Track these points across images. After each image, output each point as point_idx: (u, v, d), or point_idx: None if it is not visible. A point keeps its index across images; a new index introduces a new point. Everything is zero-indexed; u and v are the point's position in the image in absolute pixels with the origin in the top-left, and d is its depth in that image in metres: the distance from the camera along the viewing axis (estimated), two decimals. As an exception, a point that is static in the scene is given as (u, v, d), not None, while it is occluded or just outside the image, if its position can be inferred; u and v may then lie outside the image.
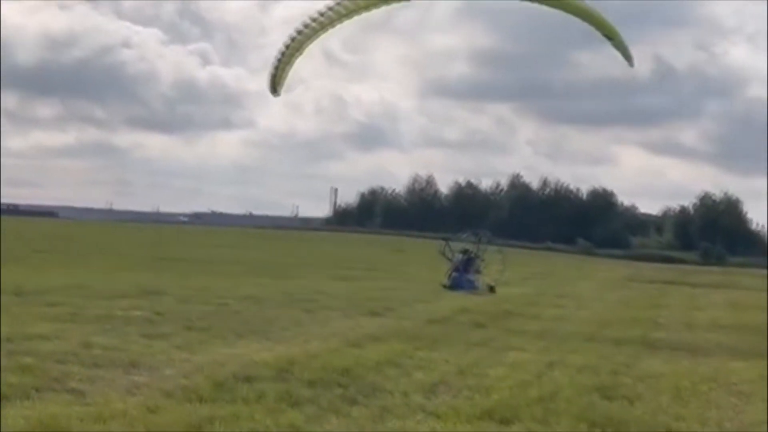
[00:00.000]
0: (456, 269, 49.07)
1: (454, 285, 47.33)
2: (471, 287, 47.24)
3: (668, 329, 30.94)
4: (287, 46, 21.42)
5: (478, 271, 49.49)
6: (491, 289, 47.21)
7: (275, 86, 21.35)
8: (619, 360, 22.04)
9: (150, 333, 22.67)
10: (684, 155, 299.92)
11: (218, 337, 22.90)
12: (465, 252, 50.23)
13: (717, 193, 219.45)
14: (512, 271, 54.28)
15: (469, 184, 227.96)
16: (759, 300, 51.88)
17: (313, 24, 21.96)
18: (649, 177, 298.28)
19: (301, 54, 21.54)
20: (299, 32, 21.30)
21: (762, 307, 43.45)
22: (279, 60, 21.34)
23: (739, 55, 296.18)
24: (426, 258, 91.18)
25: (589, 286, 62.63)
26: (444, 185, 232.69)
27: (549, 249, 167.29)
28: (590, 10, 24.40)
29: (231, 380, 16.64)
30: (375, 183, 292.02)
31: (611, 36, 24.68)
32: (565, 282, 67.16)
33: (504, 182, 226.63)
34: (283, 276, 54.80)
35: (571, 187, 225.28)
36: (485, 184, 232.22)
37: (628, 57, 25.37)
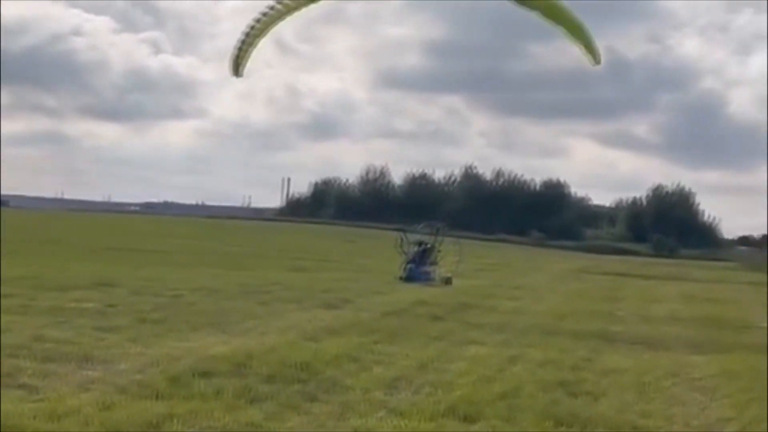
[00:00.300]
0: (411, 261, 48.77)
1: (410, 277, 47.03)
2: (427, 279, 46.96)
3: (626, 322, 30.78)
4: (252, 27, 20.90)
5: (433, 263, 49.22)
6: (447, 281, 46.96)
7: (237, 67, 20.73)
8: (580, 354, 21.81)
9: (103, 326, 22.25)
10: (636, 147, 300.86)
11: (173, 329, 22.49)
12: (420, 244, 49.94)
13: (669, 185, 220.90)
14: (467, 262, 54.15)
15: (423, 175, 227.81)
16: (713, 292, 52.06)
17: (280, 6, 21.44)
18: (601, 169, 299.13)
19: (264, 35, 21.00)
20: (264, 14, 20.82)
21: (717, 300, 43.56)
22: (242, 41, 20.74)
23: (691, 47, 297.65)
24: (380, 249, 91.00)
25: (544, 277, 62.56)
26: (397, 176, 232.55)
27: (502, 240, 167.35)
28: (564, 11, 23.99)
29: (187, 375, 16.26)
30: (328, 173, 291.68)
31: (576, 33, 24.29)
32: (519, 274, 67.10)
33: (457, 173, 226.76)
34: (236, 267, 54.28)
35: (525, 178, 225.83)
36: (438, 175, 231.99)
37: (592, 52, 25.03)
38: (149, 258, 58.18)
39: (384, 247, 60.82)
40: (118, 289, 32.12)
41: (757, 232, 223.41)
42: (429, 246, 49.85)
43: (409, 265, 48.31)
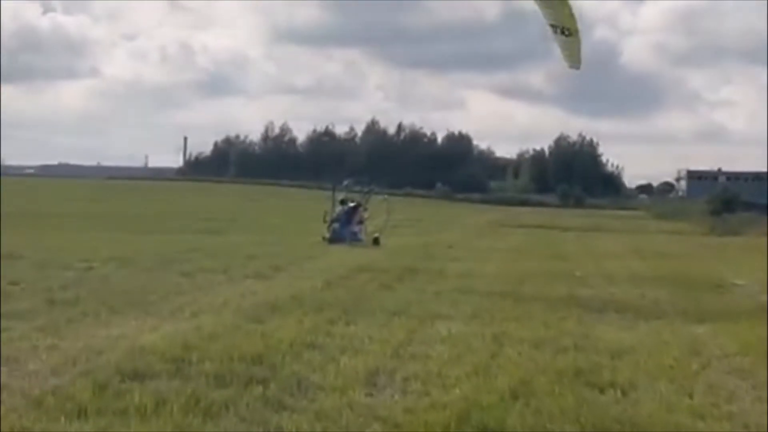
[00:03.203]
0: (336, 220, 45.47)
1: (336, 237, 43.92)
2: (354, 239, 43.93)
3: (592, 285, 27.85)
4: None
5: (361, 222, 46.00)
6: (375, 240, 43.81)
7: None
8: (569, 328, 18.75)
9: (5, 310, 18.59)
10: (533, 98, 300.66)
11: (88, 313, 18.97)
12: (344, 202, 46.61)
13: (572, 135, 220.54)
14: (377, 217, 50.03)
15: (325, 131, 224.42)
16: (655, 244, 49.78)
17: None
18: (500, 120, 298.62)
19: None
20: None
21: (667, 254, 41.23)
22: None
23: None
24: (289, 208, 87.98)
25: (467, 233, 59.93)
26: (299, 132, 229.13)
27: (409, 195, 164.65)
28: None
29: (117, 380, 12.81)
30: (227, 132, 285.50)
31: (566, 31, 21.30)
32: (439, 229, 64.41)
33: (359, 128, 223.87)
34: (143, 231, 50.94)
35: (427, 131, 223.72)
36: (340, 130, 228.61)
37: (574, 59, 21.99)
38: (49, 223, 54.53)
39: (293, 206, 57.92)
40: (20, 262, 28.50)
41: (655, 180, 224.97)
42: (355, 204, 46.54)
43: (334, 225, 45.06)
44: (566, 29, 21.03)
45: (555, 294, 24.90)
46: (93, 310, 19.27)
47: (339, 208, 46.14)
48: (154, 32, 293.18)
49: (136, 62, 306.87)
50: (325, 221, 45.66)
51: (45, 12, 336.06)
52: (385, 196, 51.25)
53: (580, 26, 22.61)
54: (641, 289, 26.52)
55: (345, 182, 50.76)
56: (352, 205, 46.23)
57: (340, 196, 47.68)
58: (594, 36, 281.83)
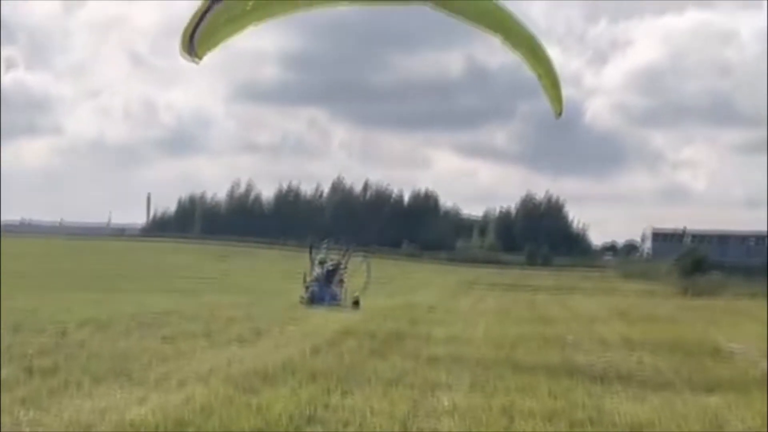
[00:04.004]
0: (316, 281, 44.44)
1: (315, 298, 42.88)
2: (333, 300, 42.93)
3: (586, 350, 26.91)
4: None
5: (341, 283, 44.98)
6: (355, 302, 42.75)
7: (192, 46, 16.56)
8: (580, 400, 17.79)
9: (-18, 380, 17.55)
10: (496, 157, 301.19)
11: (70, 382, 17.95)
12: (323, 262, 45.55)
13: (538, 194, 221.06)
14: (356, 278, 48.99)
15: (290, 189, 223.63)
16: (638, 307, 49.00)
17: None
18: (464, 179, 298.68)
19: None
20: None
21: (651, 318, 40.47)
22: (208, 9, 16.64)
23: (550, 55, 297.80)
24: (258, 267, 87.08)
25: (443, 293, 59.15)
26: (265, 191, 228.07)
27: (376, 253, 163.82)
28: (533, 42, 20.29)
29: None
30: (190, 189, 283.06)
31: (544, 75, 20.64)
32: (413, 290, 63.49)
33: (325, 186, 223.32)
34: (112, 290, 49.86)
35: (394, 189, 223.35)
36: (305, 188, 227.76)
37: (557, 103, 21.29)
38: (15, 283, 53.24)
39: (262, 265, 56.95)
40: (-10, 324, 27.31)
41: (619, 239, 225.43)
42: (335, 265, 45.49)
43: (312, 287, 44.02)
44: (538, 74, 20.35)
45: (552, 361, 24.00)
46: (74, 379, 18.26)
47: (318, 269, 45.08)
48: (118, 89, 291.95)
49: (100, 119, 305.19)
50: (304, 282, 44.64)
51: (7, 68, 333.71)
52: (365, 257, 50.27)
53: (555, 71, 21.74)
54: (637, 355, 25.66)
55: (324, 242, 49.59)
56: (331, 265, 45.21)
57: (319, 256, 46.56)
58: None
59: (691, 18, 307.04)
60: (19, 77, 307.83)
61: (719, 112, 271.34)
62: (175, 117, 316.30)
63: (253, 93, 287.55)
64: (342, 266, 45.51)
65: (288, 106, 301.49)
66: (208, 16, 16.53)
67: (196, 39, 16.55)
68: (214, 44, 16.62)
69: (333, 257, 46.36)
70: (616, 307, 49.02)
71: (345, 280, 45.31)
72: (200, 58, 16.85)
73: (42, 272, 67.51)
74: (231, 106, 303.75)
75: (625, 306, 50.15)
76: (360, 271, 46.68)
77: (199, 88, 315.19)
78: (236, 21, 16.98)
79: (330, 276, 44.60)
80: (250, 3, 16.65)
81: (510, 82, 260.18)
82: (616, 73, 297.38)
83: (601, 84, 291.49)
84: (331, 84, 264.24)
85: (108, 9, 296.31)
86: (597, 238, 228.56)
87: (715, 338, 30.50)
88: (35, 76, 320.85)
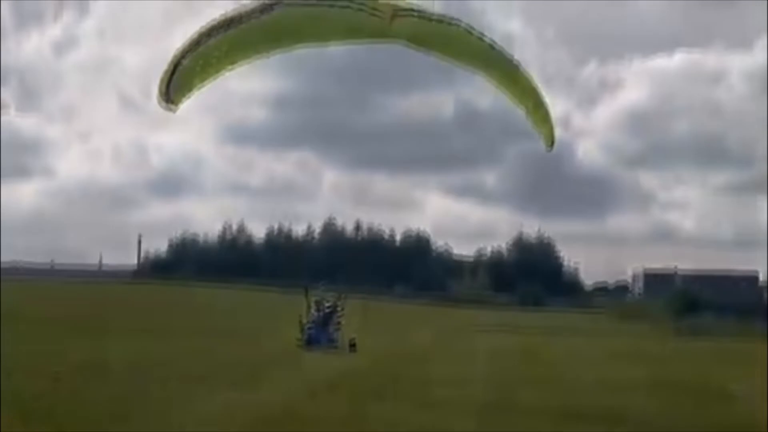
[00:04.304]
0: (312, 323, 43.93)
1: (312, 341, 42.37)
2: (330, 343, 42.42)
3: (593, 392, 26.59)
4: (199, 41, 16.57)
5: (338, 325, 44.42)
6: (352, 345, 42.21)
7: (171, 94, 16.34)
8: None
9: (-21, 428, 17.16)
10: (485, 198, 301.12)
11: (67, 429, 17.52)
12: (319, 304, 44.95)
13: (530, 234, 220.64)
14: (353, 320, 48.33)
15: (281, 230, 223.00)
16: (636, 348, 48.71)
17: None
18: (454, 220, 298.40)
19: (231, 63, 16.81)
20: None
21: (651, 358, 40.18)
22: (183, 56, 16.48)
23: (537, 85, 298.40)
24: (252, 309, 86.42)
25: (438, 337, 58.66)
26: (256, 232, 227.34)
27: (368, 295, 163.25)
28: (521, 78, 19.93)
29: None
30: (181, 231, 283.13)
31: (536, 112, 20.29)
32: (406, 331, 62.94)
33: (317, 227, 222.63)
34: (104, 334, 49.22)
35: (385, 231, 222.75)
36: (298, 229, 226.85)
37: (548, 136, 20.96)
38: (8, 326, 52.64)
39: (256, 308, 56.32)
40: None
41: (610, 279, 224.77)
42: (331, 307, 44.92)
43: (309, 329, 43.55)
44: (526, 108, 20.01)
45: (561, 404, 23.71)
46: (72, 426, 17.86)
47: (314, 311, 44.54)
48: (108, 132, 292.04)
49: (90, 162, 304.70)
50: (300, 324, 44.13)
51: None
52: (361, 299, 49.83)
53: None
54: (649, 398, 25.36)
55: (320, 284, 48.96)
56: (328, 307, 44.66)
57: (314, 298, 45.91)
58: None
59: (680, 59, 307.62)
60: (9, 120, 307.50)
61: (709, 153, 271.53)
62: (165, 158, 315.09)
63: (242, 135, 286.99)
64: (339, 308, 44.98)
65: (278, 147, 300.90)
66: (184, 62, 16.49)
67: (173, 86, 16.50)
68: (189, 90, 16.53)
69: (329, 299, 45.78)
70: (614, 348, 48.78)
71: (342, 322, 44.74)
72: (177, 105, 16.78)
73: (31, 316, 66.70)
74: (221, 148, 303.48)
75: (621, 348, 49.87)
76: (356, 314, 46.19)
77: (189, 130, 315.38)
78: (211, 66, 16.85)
79: (327, 318, 44.05)
80: (224, 48, 16.50)
81: (500, 124, 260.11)
82: (605, 114, 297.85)
83: (590, 125, 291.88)
84: (321, 126, 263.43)
85: (98, 51, 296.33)
86: (587, 278, 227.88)
87: (716, 379, 30.28)
88: (26, 118, 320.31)
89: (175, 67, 16.31)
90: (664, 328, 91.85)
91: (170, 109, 16.54)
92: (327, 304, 44.86)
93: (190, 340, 45.76)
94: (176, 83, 16.31)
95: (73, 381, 25.27)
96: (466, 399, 24.19)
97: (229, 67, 17.72)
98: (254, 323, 60.28)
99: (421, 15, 17.87)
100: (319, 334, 43.15)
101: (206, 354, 35.46)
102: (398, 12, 17.17)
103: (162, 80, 16.47)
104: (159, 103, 16.42)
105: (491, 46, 20.16)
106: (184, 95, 16.54)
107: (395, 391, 25.31)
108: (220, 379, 26.71)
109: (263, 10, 16.82)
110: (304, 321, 44.24)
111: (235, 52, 17.61)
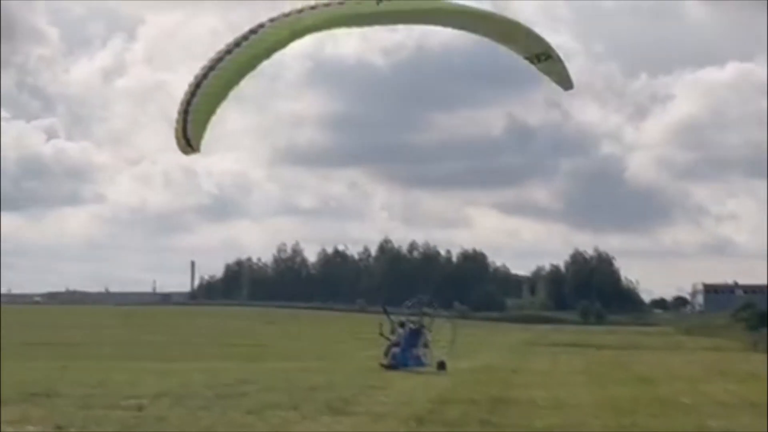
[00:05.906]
0: (395, 344, 41.85)
1: (397, 363, 40.23)
2: (418, 364, 40.38)
3: (711, 414, 24.40)
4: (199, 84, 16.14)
5: (426, 345, 42.26)
6: (441, 365, 40.12)
7: (188, 138, 15.94)
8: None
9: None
10: (538, 214, 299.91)
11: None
12: (402, 324, 42.87)
13: (588, 250, 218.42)
14: (439, 340, 46.36)
15: (337, 252, 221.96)
16: (722, 363, 46.50)
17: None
18: (506, 238, 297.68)
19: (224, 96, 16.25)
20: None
21: (745, 375, 38.01)
22: (189, 103, 16.01)
23: (590, 113, 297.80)
24: (311, 330, 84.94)
25: (514, 354, 56.91)
26: (310, 253, 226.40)
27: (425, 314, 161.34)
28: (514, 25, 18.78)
29: None
30: (233, 254, 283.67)
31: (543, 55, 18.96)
32: (477, 350, 60.84)
33: (372, 248, 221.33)
34: (171, 359, 47.80)
35: (441, 250, 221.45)
36: (353, 250, 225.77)
37: (563, 79, 19.60)
38: (70, 353, 51.40)
39: (316, 329, 54.69)
40: (59, 400, 25.06)
41: (667, 294, 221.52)
42: (417, 326, 42.79)
43: (393, 350, 41.45)
44: (541, 55, 18.66)
45: (683, 427, 21.62)
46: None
47: (399, 331, 42.42)
48: (158, 157, 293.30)
49: (140, 187, 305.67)
50: (387, 341, 42.09)
51: (48, 138, 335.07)
52: (450, 317, 47.89)
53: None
54: (745, 419, 23.28)
55: (408, 303, 46.74)
56: (412, 327, 42.53)
57: (399, 317, 43.80)
58: (599, 152, 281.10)
59: (731, 70, 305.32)
60: (61, 146, 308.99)
61: (761, 164, 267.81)
62: (215, 183, 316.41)
63: (292, 156, 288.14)
64: (425, 328, 42.85)
65: (328, 168, 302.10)
66: (192, 106, 15.93)
67: (189, 132, 15.95)
68: (203, 128, 16.03)
69: (413, 319, 43.63)
70: (704, 365, 46.56)
71: (430, 342, 42.54)
72: (198, 149, 16.36)
73: (92, 341, 65.62)
74: (271, 170, 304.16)
75: (711, 364, 47.69)
76: (441, 333, 44.17)
77: (239, 154, 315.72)
78: (215, 96, 16.10)
79: (413, 338, 41.93)
80: (223, 79, 15.83)
81: (551, 139, 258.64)
82: (657, 127, 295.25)
83: (642, 139, 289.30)
84: (371, 145, 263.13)
85: (146, 76, 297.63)
86: (644, 294, 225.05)
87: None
88: (76, 144, 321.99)
89: (186, 113, 15.79)
90: (736, 341, 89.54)
91: (193, 153, 16.17)
92: (411, 324, 42.85)
93: (259, 362, 44.24)
94: (191, 127, 15.79)
95: (157, 411, 23.42)
96: (582, 424, 22.18)
97: (233, 88, 16.91)
98: (318, 345, 58.69)
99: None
100: (405, 355, 41.08)
101: (285, 378, 33.56)
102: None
103: (177, 131, 15.97)
104: (182, 151, 16.07)
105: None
106: (200, 136, 16.16)
107: (503, 415, 23.36)
108: (311, 406, 24.73)
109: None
110: (391, 339, 42.30)
111: (234, 77, 16.72)
